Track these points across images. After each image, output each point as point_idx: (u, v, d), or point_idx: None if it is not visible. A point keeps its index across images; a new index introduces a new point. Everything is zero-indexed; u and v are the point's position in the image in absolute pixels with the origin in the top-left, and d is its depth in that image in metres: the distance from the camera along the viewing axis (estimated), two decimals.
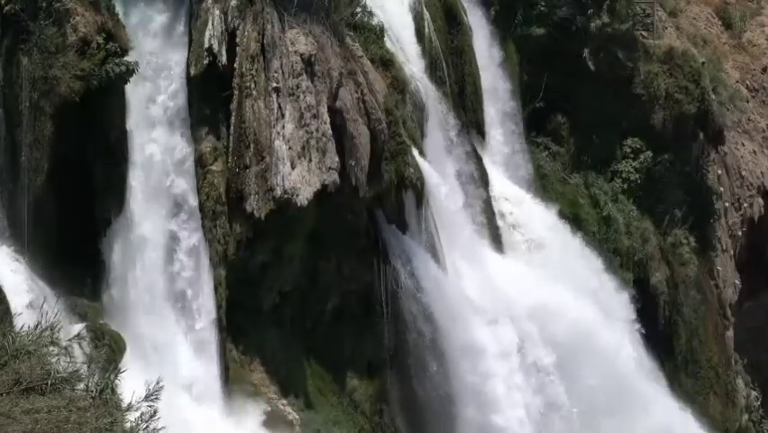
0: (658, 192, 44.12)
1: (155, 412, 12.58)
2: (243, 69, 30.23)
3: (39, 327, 12.96)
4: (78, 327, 25.47)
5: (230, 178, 30.22)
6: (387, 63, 34.59)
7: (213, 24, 29.96)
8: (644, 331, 40.93)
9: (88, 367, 13.14)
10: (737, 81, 49.97)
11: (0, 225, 26.96)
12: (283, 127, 30.46)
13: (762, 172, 49.59)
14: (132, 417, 12.74)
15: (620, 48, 43.35)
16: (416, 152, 34.29)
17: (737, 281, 47.93)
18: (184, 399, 28.16)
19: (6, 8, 26.36)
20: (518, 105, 41.55)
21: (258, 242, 30.92)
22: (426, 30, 37.11)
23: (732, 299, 47.55)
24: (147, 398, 12.49)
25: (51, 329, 12.85)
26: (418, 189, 33.89)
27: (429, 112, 36.12)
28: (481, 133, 39.58)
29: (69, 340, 13.44)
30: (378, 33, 34.65)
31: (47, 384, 12.65)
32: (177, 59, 29.95)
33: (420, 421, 34.10)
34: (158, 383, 12.79)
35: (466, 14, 39.40)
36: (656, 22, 45.35)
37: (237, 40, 30.29)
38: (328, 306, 33.17)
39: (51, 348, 12.99)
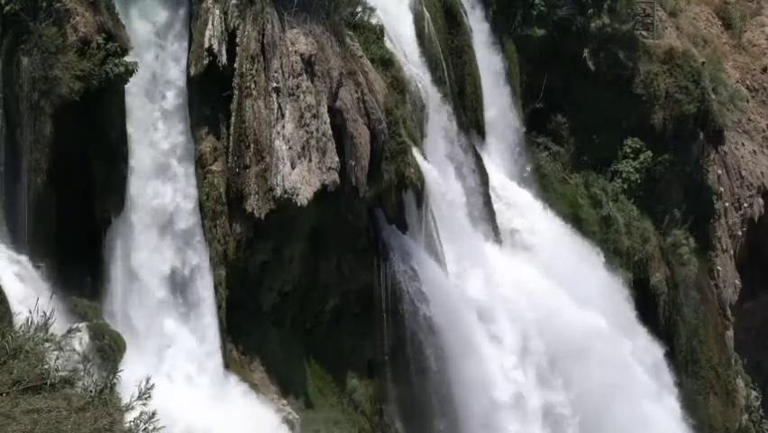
0: (658, 192, 44.13)
1: (154, 414, 12.59)
2: (243, 69, 30.24)
3: (32, 324, 12.96)
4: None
5: (230, 178, 30.23)
6: (387, 63, 34.57)
7: (213, 24, 29.96)
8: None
9: (84, 366, 13.14)
10: (737, 81, 50.01)
11: (0, 225, 26.96)
12: (283, 127, 30.47)
13: (762, 172, 49.62)
14: (130, 417, 12.75)
15: (620, 48, 43.37)
16: (416, 152, 34.29)
17: (737, 281, 47.95)
18: (184, 398, 28.15)
19: (6, 8, 26.34)
20: (518, 105, 41.56)
21: (258, 242, 30.93)
22: (426, 30, 37.11)
23: (732, 299, 47.57)
24: (140, 397, 12.50)
25: (46, 326, 12.86)
26: (418, 189, 33.88)
27: (429, 112, 36.11)
28: (481, 133, 39.58)
29: (64, 335, 13.43)
30: (378, 33, 34.64)
31: (45, 384, 12.65)
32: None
33: (419, 421, 34.10)
34: (147, 381, 12.80)
35: (466, 14, 39.41)
36: (656, 22, 45.36)
37: (237, 40, 30.30)
38: (328, 306, 33.18)
39: (47, 345, 12.99)
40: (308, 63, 31.04)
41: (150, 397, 12.73)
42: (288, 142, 30.40)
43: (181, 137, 29.93)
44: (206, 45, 29.81)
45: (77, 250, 27.59)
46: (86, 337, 25.99)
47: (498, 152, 40.37)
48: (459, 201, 36.55)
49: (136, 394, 12.66)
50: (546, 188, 41.97)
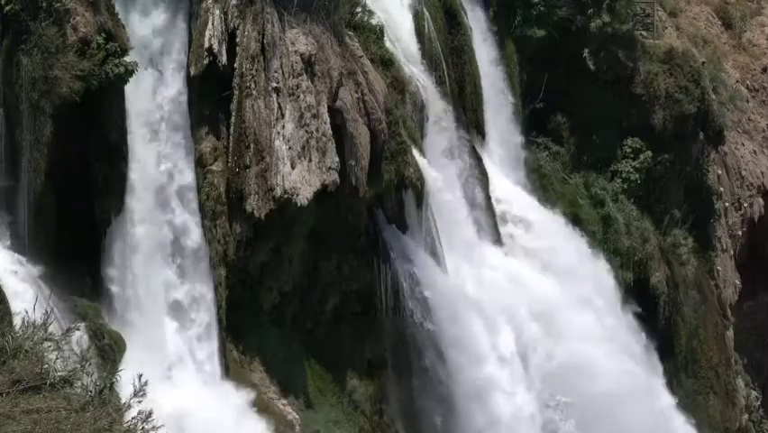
0: (658, 192, 44.14)
1: (151, 413, 12.60)
2: (243, 69, 30.24)
3: (31, 324, 12.96)
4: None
5: (230, 178, 30.23)
6: (387, 63, 34.60)
7: (213, 24, 29.95)
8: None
9: (82, 366, 13.14)
10: (737, 81, 50.01)
11: (0, 225, 26.96)
12: (283, 127, 30.48)
13: (762, 172, 49.63)
14: (128, 416, 12.76)
15: (620, 48, 43.37)
16: (416, 152, 34.30)
17: (737, 281, 47.97)
18: (183, 398, 28.15)
19: (6, 8, 26.34)
20: (518, 105, 41.56)
21: (258, 242, 30.94)
22: (426, 30, 37.12)
23: (732, 299, 47.58)
24: (135, 395, 12.51)
25: (45, 326, 12.87)
26: (418, 189, 33.90)
27: (429, 112, 36.13)
28: (481, 132, 39.58)
29: (63, 335, 13.43)
30: (378, 33, 34.67)
31: (45, 384, 12.66)
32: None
33: (420, 421, 34.11)
34: (140, 378, 12.81)
35: (466, 14, 39.42)
36: (656, 22, 45.37)
37: (237, 40, 30.29)
38: (328, 306, 33.19)
39: (47, 345, 13.00)
40: (308, 63, 31.06)
41: (144, 394, 12.74)
42: (288, 142, 30.41)
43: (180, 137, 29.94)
44: (206, 45, 29.81)
45: (77, 250, 27.59)
46: (86, 337, 25.99)
47: (497, 152, 40.37)
48: (458, 201, 36.56)
49: (132, 393, 12.67)
50: (546, 188, 41.96)
